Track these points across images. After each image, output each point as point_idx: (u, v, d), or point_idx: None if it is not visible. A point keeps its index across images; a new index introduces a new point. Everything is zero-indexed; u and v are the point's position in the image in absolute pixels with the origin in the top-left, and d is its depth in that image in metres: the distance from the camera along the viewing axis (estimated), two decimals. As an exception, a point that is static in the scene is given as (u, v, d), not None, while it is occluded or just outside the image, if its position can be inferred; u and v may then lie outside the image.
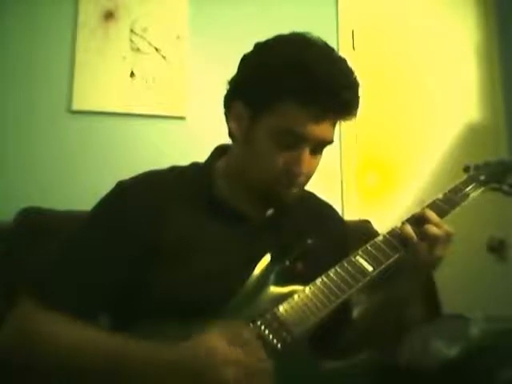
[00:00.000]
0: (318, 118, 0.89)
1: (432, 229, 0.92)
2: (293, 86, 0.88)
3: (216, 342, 0.74)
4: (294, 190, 0.95)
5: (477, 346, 1.21)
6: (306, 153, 0.92)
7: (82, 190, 1.92)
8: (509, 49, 2.67)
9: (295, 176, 0.93)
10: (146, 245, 0.90)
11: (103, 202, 0.97)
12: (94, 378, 0.79)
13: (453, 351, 1.14)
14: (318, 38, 0.95)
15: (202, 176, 1.01)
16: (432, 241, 0.91)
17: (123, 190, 0.97)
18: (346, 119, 0.94)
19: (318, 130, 0.90)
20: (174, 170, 1.03)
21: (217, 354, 0.73)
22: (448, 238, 0.92)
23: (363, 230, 1.68)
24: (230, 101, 0.98)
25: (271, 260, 0.92)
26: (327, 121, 0.91)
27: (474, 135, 2.60)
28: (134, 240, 0.91)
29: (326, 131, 0.92)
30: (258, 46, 0.97)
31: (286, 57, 0.90)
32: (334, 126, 0.94)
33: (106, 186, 0.99)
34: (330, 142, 0.94)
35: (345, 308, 1.02)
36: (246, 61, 0.98)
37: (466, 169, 1.12)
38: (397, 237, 0.93)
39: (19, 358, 0.84)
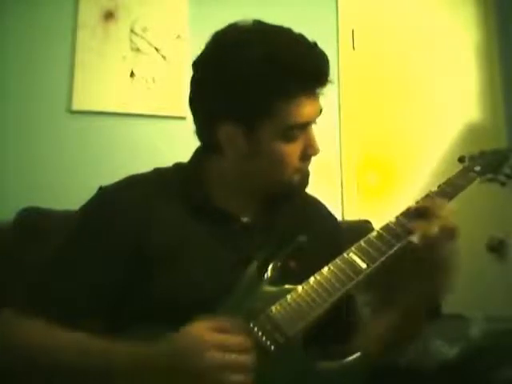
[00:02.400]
0: (310, 100, 0.91)
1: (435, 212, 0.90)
2: (278, 87, 0.87)
3: (199, 329, 0.75)
4: (308, 168, 0.97)
5: (477, 346, 1.21)
6: (313, 132, 0.94)
7: (82, 189, 1.90)
8: (509, 49, 2.67)
9: (312, 155, 0.95)
10: (134, 249, 0.89)
11: (86, 209, 0.97)
12: (76, 378, 0.79)
13: (453, 351, 1.14)
14: (256, 20, 0.97)
15: (188, 176, 0.99)
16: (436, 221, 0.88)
17: (106, 195, 0.96)
18: (327, 84, 0.93)
19: (311, 108, 0.91)
20: (157, 172, 1.02)
21: (199, 339, 0.73)
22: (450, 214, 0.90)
23: (363, 230, 1.68)
24: (211, 125, 0.93)
25: (263, 260, 0.90)
26: (314, 95, 0.92)
27: (473, 135, 2.60)
28: (120, 245, 0.90)
29: (317, 105, 0.93)
30: (212, 59, 0.93)
31: (251, 62, 0.87)
32: (319, 96, 0.95)
33: (105, 186, 0.99)
34: (321, 111, 0.95)
35: (348, 306, 1.01)
36: (209, 77, 0.93)
37: (462, 159, 1.10)
38: (391, 232, 0.91)
39: (6, 362, 0.83)
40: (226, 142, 0.93)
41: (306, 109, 0.90)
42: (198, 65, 0.96)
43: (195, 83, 0.96)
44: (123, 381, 0.77)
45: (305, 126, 0.92)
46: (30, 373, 0.82)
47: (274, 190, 0.97)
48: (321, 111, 0.95)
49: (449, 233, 0.89)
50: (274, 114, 0.88)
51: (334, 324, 0.93)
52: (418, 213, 0.92)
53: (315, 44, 0.92)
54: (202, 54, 0.96)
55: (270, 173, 0.94)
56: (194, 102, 0.96)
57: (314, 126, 0.95)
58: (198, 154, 1.03)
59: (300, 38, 0.92)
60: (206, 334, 0.74)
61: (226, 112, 0.91)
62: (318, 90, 0.93)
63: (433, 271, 0.91)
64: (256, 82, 0.87)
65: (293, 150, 0.92)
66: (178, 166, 1.03)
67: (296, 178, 0.95)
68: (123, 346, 0.77)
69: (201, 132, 0.97)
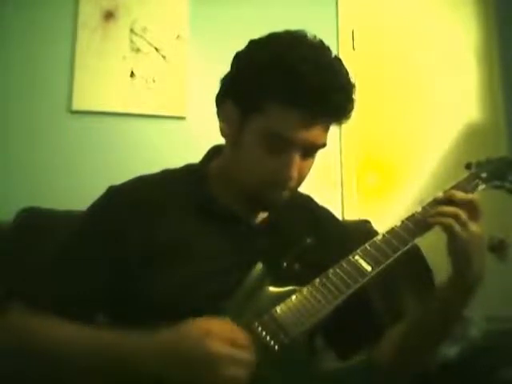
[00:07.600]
0: (307, 122, 0.86)
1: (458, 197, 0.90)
2: (277, 87, 0.85)
3: (206, 321, 0.76)
4: (284, 194, 0.93)
5: (477, 346, 1.21)
6: (296, 157, 0.88)
7: (82, 190, 1.91)
8: (509, 49, 2.67)
9: (285, 180, 0.90)
10: (136, 248, 0.90)
11: (93, 207, 0.97)
12: (90, 373, 0.80)
13: (453, 351, 1.14)
14: (314, 36, 0.91)
15: (194, 176, 0.99)
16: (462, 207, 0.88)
17: (113, 194, 0.97)
18: (339, 123, 0.91)
19: (308, 134, 0.87)
20: (166, 172, 1.03)
21: (205, 328, 0.75)
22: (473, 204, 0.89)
23: (363, 230, 1.68)
24: (220, 100, 0.95)
25: (268, 261, 0.90)
26: (317, 125, 0.87)
27: (473, 135, 2.60)
28: (122, 245, 0.90)
29: (317, 135, 0.88)
30: (249, 44, 0.94)
31: (270, 56, 0.86)
32: (326, 129, 0.91)
33: (105, 186, 0.99)
34: (322, 146, 0.91)
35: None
36: (236, 59, 0.95)
37: (468, 166, 1.10)
38: (396, 236, 0.91)
39: (19, 363, 0.84)
40: (223, 120, 0.95)
41: (297, 126, 0.86)
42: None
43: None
44: (133, 369, 0.77)
45: (289, 144, 0.87)
46: (42, 371, 0.82)
47: (249, 192, 0.94)
48: (320, 147, 0.91)
49: (472, 208, 0.89)
50: (264, 112, 0.87)
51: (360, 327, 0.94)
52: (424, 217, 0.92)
53: (344, 74, 0.88)
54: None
55: (243, 170, 0.92)
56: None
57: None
58: (206, 155, 1.04)
59: (328, 65, 0.87)
60: (213, 325, 0.76)
61: (232, 91, 0.93)
62: (320, 120, 0.88)
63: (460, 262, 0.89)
64: (260, 75, 0.87)
65: (265, 160, 0.89)
66: (187, 167, 1.04)
67: (264, 191, 0.92)
68: (131, 334, 0.79)
69: (217, 109, 0.98)
